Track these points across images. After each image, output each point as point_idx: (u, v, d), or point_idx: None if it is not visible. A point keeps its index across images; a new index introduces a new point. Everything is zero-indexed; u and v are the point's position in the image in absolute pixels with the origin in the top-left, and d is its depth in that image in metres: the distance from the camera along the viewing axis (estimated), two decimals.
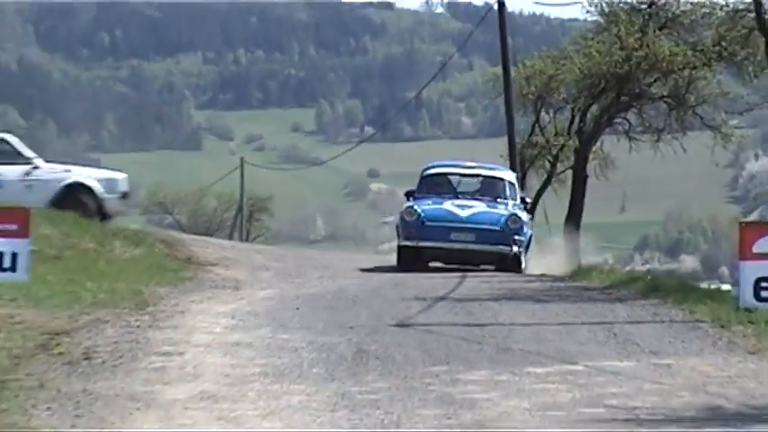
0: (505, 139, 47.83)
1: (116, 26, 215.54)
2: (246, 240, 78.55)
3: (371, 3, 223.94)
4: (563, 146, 47.03)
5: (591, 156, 46.34)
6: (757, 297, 21.20)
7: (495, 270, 29.93)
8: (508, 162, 46.38)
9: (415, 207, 30.96)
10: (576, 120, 46.81)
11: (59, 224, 34.49)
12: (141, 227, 52.11)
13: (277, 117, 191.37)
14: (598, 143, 46.62)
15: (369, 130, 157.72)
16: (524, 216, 31.73)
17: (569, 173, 46.40)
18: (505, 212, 30.88)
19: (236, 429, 13.39)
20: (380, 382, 15.85)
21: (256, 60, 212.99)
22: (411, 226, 30.64)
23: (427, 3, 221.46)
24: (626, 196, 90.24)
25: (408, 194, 33.11)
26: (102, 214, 35.19)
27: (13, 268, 25.26)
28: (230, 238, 74.22)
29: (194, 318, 21.18)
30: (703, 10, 42.55)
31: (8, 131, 40.01)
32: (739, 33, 38.88)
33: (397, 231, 31.37)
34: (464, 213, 30.57)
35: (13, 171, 35.90)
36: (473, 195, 32.19)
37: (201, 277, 30.06)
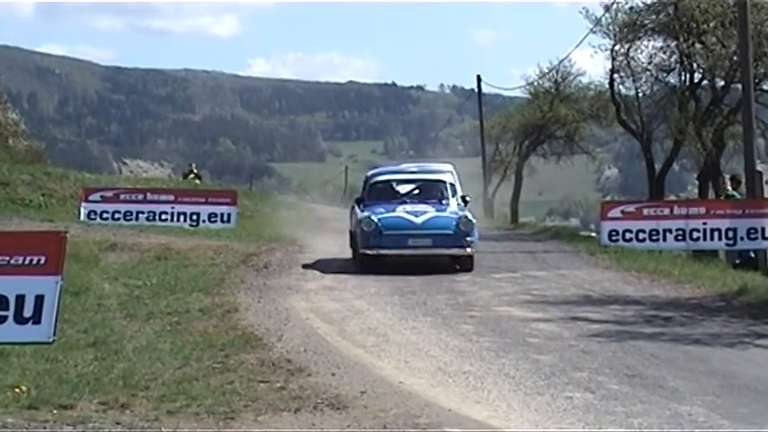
0: (480, 158, 47.63)
1: (282, 97, 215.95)
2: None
3: (413, 87, 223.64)
4: (510, 161, 46.74)
5: (524, 167, 46.10)
6: (609, 239, 20.98)
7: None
8: (482, 170, 46.30)
9: (372, 218, 17.64)
10: (517, 148, 46.53)
11: (252, 198, 34.52)
12: (294, 200, 52.24)
13: (364, 145, 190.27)
14: (528, 160, 46.31)
15: (411, 152, 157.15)
16: (471, 216, 18.01)
17: (513, 175, 46.13)
18: (455, 216, 17.78)
19: (342, 303, 13.35)
20: (417, 280, 15.78)
21: (353, 117, 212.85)
22: (370, 235, 17.43)
23: (441, 87, 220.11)
24: (542, 187, 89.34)
25: (358, 201, 19.17)
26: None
27: (228, 221, 25.34)
28: (339, 206, 73.73)
29: (320, 247, 21.12)
30: (582, 91, 42.16)
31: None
32: (601, 103, 38.32)
33: (353, 238, 18.57)
34: (419, 220, 17.61)
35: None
36: (419, 198, 18.63)
37: (325, 227, 29.96)
